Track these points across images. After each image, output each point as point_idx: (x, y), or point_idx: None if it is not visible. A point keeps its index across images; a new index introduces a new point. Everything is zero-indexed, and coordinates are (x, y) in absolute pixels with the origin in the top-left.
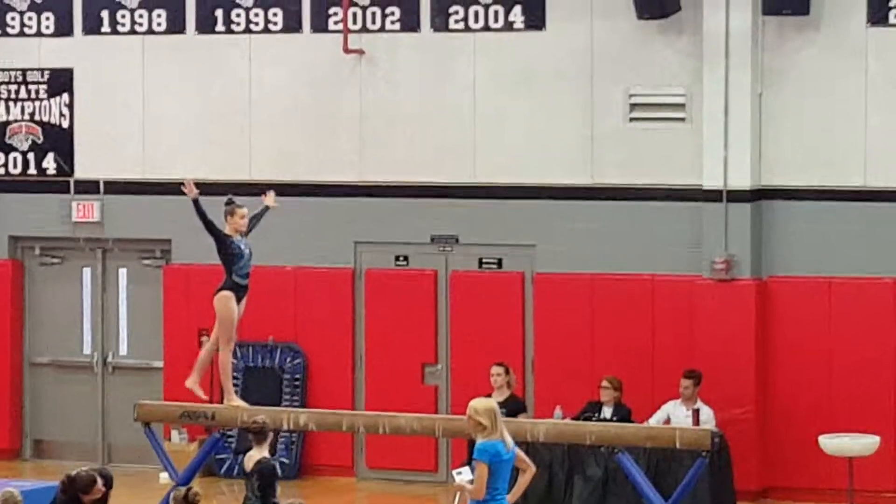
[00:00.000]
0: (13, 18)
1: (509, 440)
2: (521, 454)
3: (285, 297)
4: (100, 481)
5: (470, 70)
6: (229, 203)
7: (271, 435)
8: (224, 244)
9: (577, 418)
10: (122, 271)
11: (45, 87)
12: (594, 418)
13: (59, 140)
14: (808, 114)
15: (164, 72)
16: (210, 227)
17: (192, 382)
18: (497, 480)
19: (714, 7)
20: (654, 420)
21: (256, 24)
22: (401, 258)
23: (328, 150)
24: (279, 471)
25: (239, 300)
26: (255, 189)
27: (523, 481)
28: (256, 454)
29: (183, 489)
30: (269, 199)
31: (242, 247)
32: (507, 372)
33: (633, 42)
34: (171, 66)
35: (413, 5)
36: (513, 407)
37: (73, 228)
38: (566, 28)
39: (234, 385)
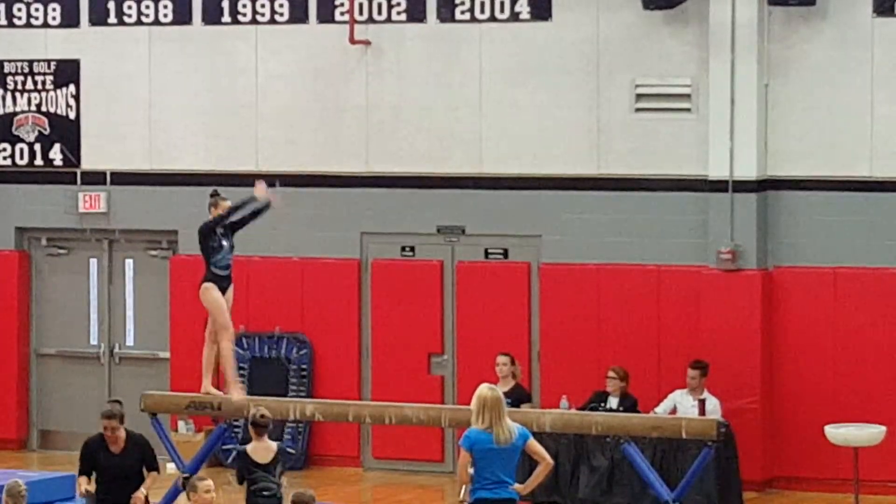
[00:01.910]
0: (20, 10)
1: (503, 433)
2: (537, 447)
3: (292, 288)
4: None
5: (476, 61)
6: (214, 195)
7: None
8: (210, 237)
9: (583, 408)
10: (129, 262)
11: (51, 78)
12: (600, 408)
13: (65, 131)
14: (814, 104)
15: (170, 62)
16: (218, 220)
17: (207, 386)
18: (483, 469)
19: None
20: (660, 410)
21: (263, 14)
22: (407, 249)
23: (334, 140)
24: None
25: (223, 290)
26: (261, 180)
27: (537, 473)
28: (263, 444)
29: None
30: (262, 190)
31: (223, 241)
32: (512, 362)
33: (640, 32)
34: (177, 56)
35: None
36: (517, 396)
37: (79, 219)
38: (572, 18)
39: (241, 375)
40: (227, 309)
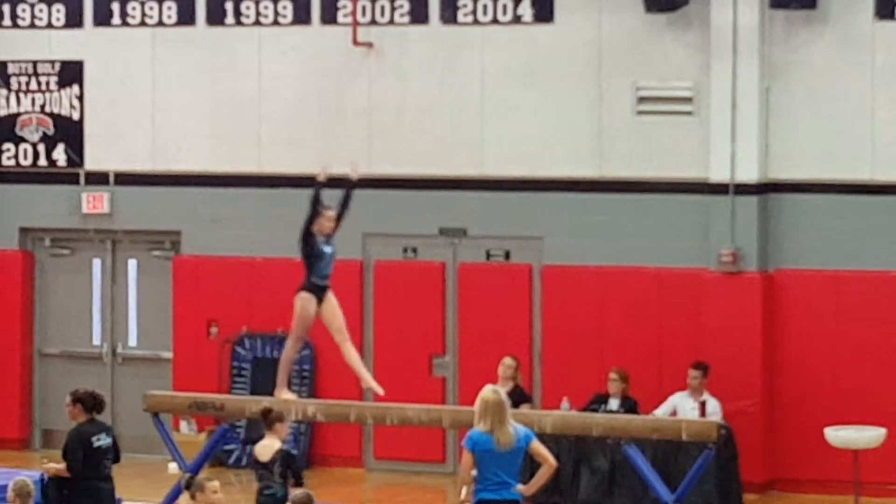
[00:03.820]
0: (24, 10)
1: (504, 437)
2: (540, 449)
3: (294, 289)
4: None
5: (478, 63)
6: (318, 203)
7: (284, 422)
8: (307, 244)
9: (584, 410)
10: (132, 262)
11: (55, 78)
12: (601, 410)
13: (69, 132)
14: (815, 108)
15: (173, 64)
16: (310, 219)
17: (371, 381)
18: (486, 471)
19: (722, 1)
20: (661, 412)
21: (266, 16)
22: (409, 250)
23: (337, 142)
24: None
25: (320, 300)
26: (263, 181)
27: (540, 475)
28: (269, 442)
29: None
30: (353, 171)
31: (325, 248)
32: (517, 366)
33: (641, 35)
34: (181, 57)
35: None
36: (516, 398)
37: (83, 220)
38: (574, 21)
39: (243, 375)
40: (336, 315)
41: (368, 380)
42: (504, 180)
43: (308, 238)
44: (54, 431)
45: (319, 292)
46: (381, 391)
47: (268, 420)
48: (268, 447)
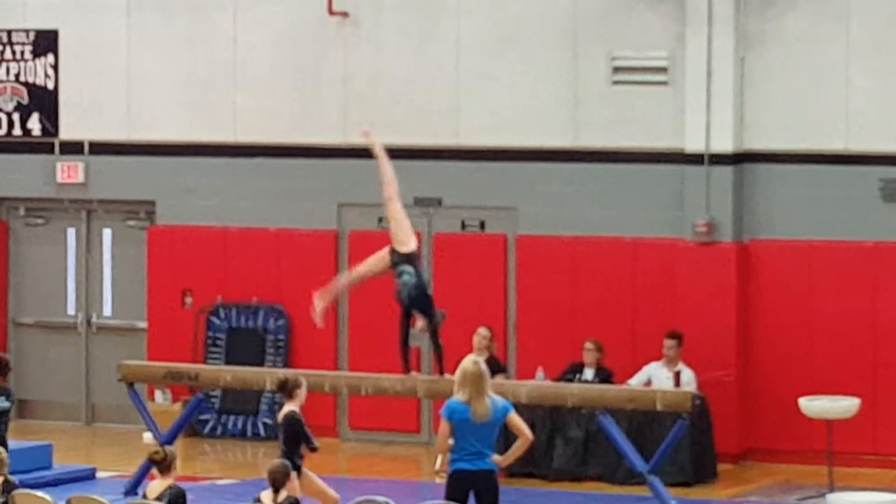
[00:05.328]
0: None
1: (480, 409)
2: (517, 421)
3: (269, 259)
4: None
5: (454, 32)
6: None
7: (301, 387)
8: (424, 300)
9: (558, 380)
10: (107, 232)
11: (30, 47)
12: (576, 380)
13: (43, 101)
14: (790, 78)
15: (149, 33)
16: (429, 318)
17: (320, 300)
18: (462, 440)
19: None
20: (636, 382)
21: None
22: (384, 220)
23: (312, 111)
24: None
25: (386, 267)
26: (238, 150)
27: (516, 447)
28: (287, 408)
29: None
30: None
31: (411, 296)
32: (491, 336)
33: (617, 5)
34: (156, 26)
35: None
36: (491, 368)
37: (57, 189)
38: None
39: (218, 346)
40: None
41: (318, 313)
42: (479, 150)
43: (426, 301)
44: (29, 401)
45: (395, 258)
46: (320, 324)
47: (286, 390)
48: (281, 414)
